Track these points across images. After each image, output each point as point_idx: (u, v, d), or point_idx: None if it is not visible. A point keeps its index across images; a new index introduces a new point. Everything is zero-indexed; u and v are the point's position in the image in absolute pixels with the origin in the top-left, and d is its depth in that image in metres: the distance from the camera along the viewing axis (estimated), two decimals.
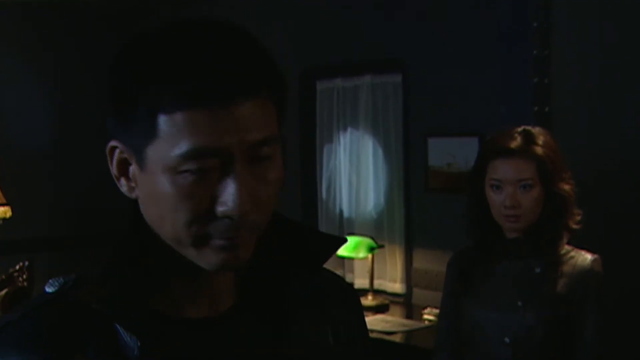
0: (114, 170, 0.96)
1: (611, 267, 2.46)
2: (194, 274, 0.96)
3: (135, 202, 0.96)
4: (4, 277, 4.17)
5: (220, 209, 0.89)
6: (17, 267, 4.17)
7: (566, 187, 2.30)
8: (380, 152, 4.82)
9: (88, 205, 5.76)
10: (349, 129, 4.96)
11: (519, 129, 2.33)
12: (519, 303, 2.29)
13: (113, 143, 0.94)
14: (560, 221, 2.30)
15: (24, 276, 4.12)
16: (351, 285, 1.17)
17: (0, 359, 0.89)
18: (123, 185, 0.96)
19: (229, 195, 0.88)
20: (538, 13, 3.76)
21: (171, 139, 0.87)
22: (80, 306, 0.92)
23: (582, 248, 2.35)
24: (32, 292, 4.22)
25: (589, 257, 2.32)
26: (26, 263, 4.16)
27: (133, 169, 0.94)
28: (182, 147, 0.87)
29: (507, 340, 2.28)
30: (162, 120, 0.88)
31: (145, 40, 0.92)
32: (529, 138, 2.30)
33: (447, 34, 4.32)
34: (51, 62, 5.80)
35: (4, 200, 4.75)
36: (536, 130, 2.34)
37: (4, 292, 4.05)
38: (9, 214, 4.73)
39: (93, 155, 5.52)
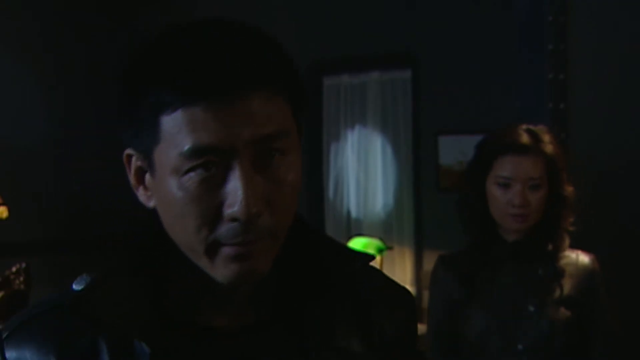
0: (132, 179, 0.96)
1: (630, 268, 2.39)
2: (217, 283, 0.94)
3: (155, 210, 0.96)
4: (0, 279, 4.13)
5: (227, 211, 0.88)
6: (14, 269, 4.16)
7: (569, 188, 2.27)
8: (389, 150, 4.82)
9: (86, 207, 5.78)
10: (356, 127, 4.92)
11: (523, 127, 2.27)
12: (531, 308, 2.24)
13: (128, 151, 0.95)
14: (563, 222, 2.27)
15: (21, 278, 4.10)
16: (404, 289, 1.13)
17: (17, 354, 0.93)
18: (141, 194, 0.96)
19: (235, 196, 0.87)
20: (554, 6, 3.71)
21: (173, 139, 0.88)
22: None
23: (576, 248, 2.32)
24: (29, 295, 4.20)
25: (586, 256, 2.29)
26: (23, 265, 4.13)
27: (148, 177, 0.94)
28: (183, 146, 0.87)
29: (520, 347, 2.23)
30: (165, 121, 0.88)
31: (151, 44, 0.93)
32: (536, 136, 2.25)
33: (459, 28, 4.27)
34: (51, 63, 5.82)
35: (1, 201, 4.73)
36: (538, 128, 2.29)
37: (0, 294, 4.01)
38: (5, 214, 4.72)
39: (91, 158, 5.61)
